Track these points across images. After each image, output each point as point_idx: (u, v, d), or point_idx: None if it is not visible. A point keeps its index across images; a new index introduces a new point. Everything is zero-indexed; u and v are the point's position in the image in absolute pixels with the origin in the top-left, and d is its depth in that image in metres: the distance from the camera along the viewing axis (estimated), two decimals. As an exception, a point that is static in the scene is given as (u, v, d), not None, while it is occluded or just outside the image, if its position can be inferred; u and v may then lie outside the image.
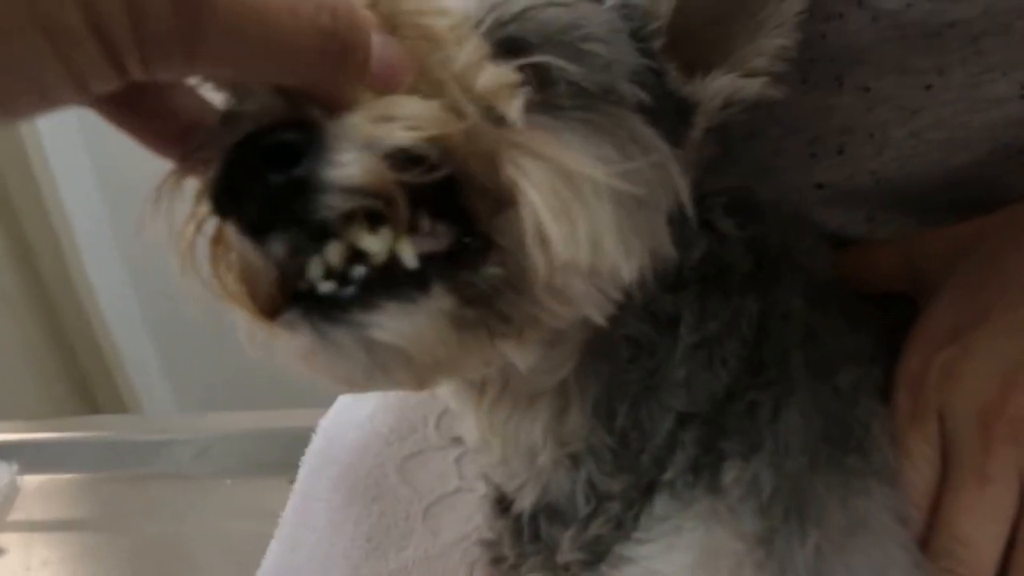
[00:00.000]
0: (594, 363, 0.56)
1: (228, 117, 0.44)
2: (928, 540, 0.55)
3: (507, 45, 0.50)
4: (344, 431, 0.93)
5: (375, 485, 0.86)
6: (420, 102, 0.42)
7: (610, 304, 0.52)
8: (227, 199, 0.42)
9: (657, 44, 0.55)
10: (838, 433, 0.55)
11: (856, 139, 0.64)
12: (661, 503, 0.55)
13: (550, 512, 0.60)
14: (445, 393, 0.64)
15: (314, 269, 0.43)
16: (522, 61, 0.49)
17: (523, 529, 0.62)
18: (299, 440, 0.95)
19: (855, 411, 0.57)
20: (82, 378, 1.99)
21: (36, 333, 1.90)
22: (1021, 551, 0.53)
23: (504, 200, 0.45)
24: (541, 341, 0.53)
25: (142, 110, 0.43)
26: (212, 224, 0.45)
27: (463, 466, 0.86)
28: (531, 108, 0.47)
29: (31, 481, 1.06)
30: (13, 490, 1.04)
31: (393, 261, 0.43)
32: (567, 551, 0.58)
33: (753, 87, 0.55)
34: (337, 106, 0.41)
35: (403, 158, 0.41)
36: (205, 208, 0.44)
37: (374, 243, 0.43)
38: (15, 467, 1.06)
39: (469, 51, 0.45)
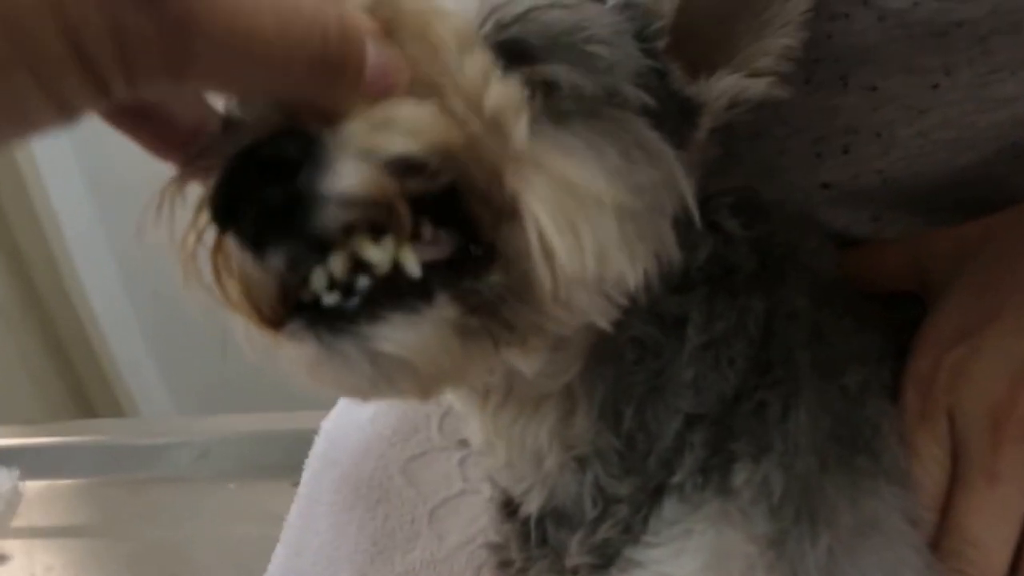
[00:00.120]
0: (600, 366, 0.56)
1: (228, 123, 0.44)
2: (938, 541, 0.55)
3: (508, 48, 0.50)
4: (346, 433, 0.93)
5: (379, 487, 0.86)
6: (419, 108, 0.42)
7: (615, 309, 0.52)
8: (225, 212, 0.42)
9: (661, 44, 0.55)
10: (847, 433, 0.55)
11: (862, 139, 0.64)
12: (670, 506, 0.55)
13: (557, 516, 0.60)
14: (450, 396, 0.65)
15: (317, 280, 0.43)
16: (525, 69, 0.49)
17: (530, 533, 0.62)
18: (301, 442, 0.95)
19: (863, 411, 0.57)
20: (77, 382, 1.98)
21: (30, 338, 1.90)
22: None
23: (507, 210, 0.45)
24: (546, 347, 0.53)
25: (141, 113, 0.43)
26: (212, 234, 0.45)
27: (467, 468, 0.86)
28: (533, 114, 0.47)
29: (33, 487, 1.06)
30: (16, 496, 1.03)
31: (396, 270, 0.43)
32: (575, 555, 0.58)
33: (758, 87, 0.55)
34: (334, 115, 0.41)
35: (403, 166, 0.41)
36: (205, 218, 0.44)
37: (377, 253, 0.43)
38: (17, 472, 1.05)
39: (475, 64, 0.44)
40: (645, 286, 0.53)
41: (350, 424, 0.95)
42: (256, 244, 0.43)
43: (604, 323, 0.51)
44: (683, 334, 0.56)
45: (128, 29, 0.32)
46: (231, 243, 0.44)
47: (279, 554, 0.83)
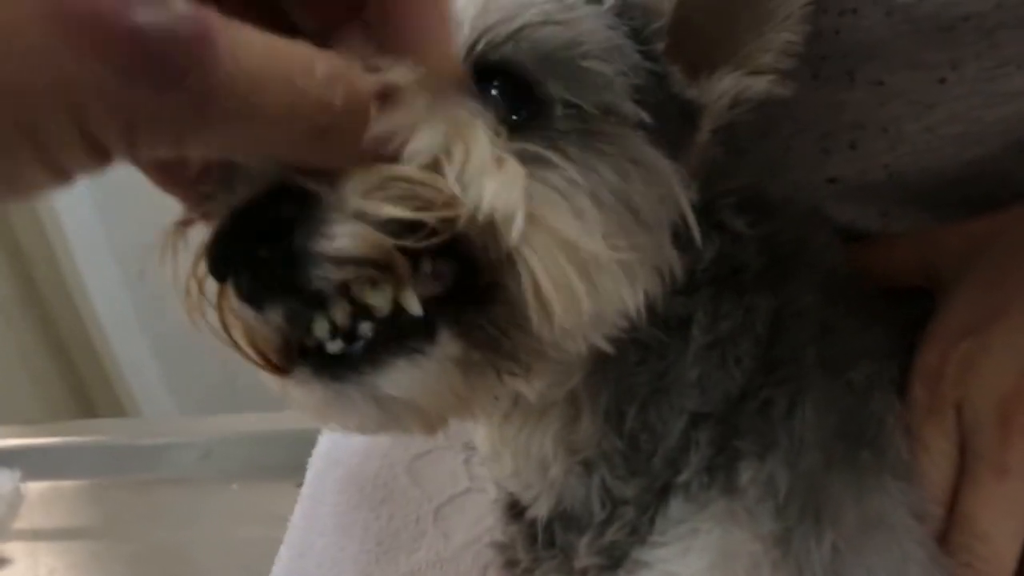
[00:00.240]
0: (603, 369, 0.57)
1: (227, 170, 0.44)
2: (946, 535, 0.55)
3: (501, 67, 0.50)
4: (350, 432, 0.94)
5: (383, 486, 0.86)
6: (416, 171, 0.42)
7: (617, 329, 0.53)
8: (222, 267, 0.43)
9: (659, 45, 0.54)
10: (852, 429, 0.55)
11: (869, 134, 0.65)
12: (676, 506, 0.56)
13: (566, 519, 0.60)
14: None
15: (320, 328, 0.44)
16: (520, 92, 0.49)
17: (537, 534, 0.62)
18: (305, 442, 0.95)
19: (869, 406, 0.57)
20: (79, 382, 1.99)
21: (31, 338, 1.90)
22: None
23: (506, 259, 0.45)
24: (552, 369, 0.53)
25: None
26: (214, 284, 0.46)
27: (472, 466, 0.87)
28: (527, 136, 0.48)
29: (34, 488, 1.06)
30: (17, 498, 1.03)
31: (398, 309, 0.44)
32: (584, 556, 0.59)
33: (760, 85, 0.55)
34: (331, 173, 0.41)
35: (399, 227, 0.41)
36: (203, 268, 0.45)
37: (377, 298, 0.43)
38: (18, 474, 1.05)
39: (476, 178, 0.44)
40: (647, 294, 0.54)
41: (354, 424, 0.95)
42: (253, 300, 0.44)
43: (605, 344, 0.52)
44: (688, 334, 0.56)
45: (141, 107, 0.32)
46: (230, 295, 0.44)
47: (283, 555, 0.83)
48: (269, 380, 0.49)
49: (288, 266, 0.41)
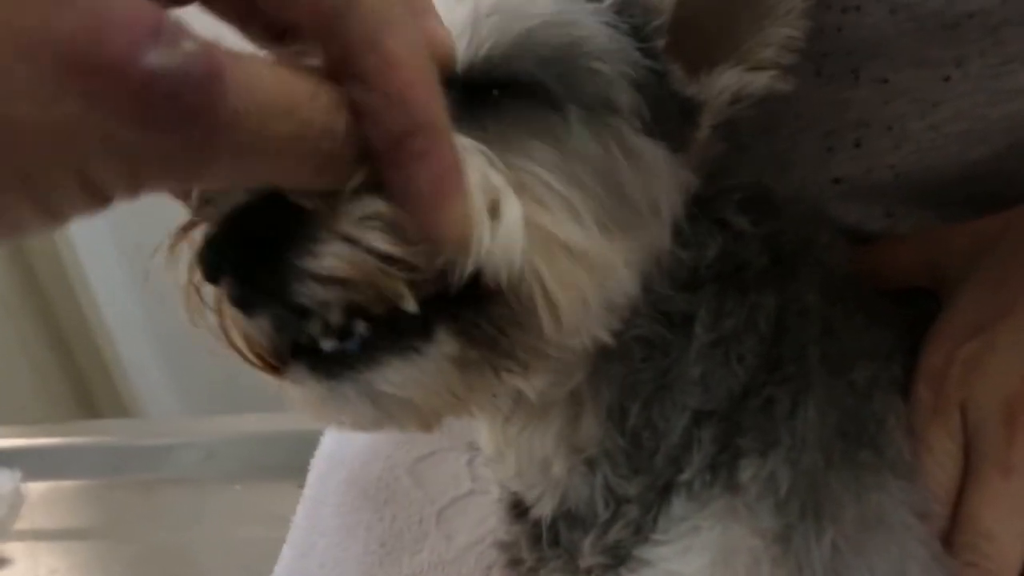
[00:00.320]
0: (606, 367, 0.57)
1: None
2: (951, 535, 0.55)
3: (503, 76, 0.51)
4: (353, 434, 0.94)
5: (386, 488, 0.87)
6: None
7: (617, 321, 0.54)
8: (212, 272, 0.44)
9: (659, 43, 0.55)
10: (853, 428, 0.56)
11: (873, 132, 0.65)
12: (679, 503, 0.56)
13: (570, 518, 0.61)
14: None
15: (314, 326, 0.45)
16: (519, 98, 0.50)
17: (541, 535, 0.62)
18: (308, 442, 0.96)
19: (870, 406, 0.57)
20: (82, 382, 1.99)
21: (35, 338, 1.91)
22: None
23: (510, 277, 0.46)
24: (552, 367, 0.54)
25: None
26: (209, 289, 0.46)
27: (476, 468, 0.87)
28: (527, 132, 0.49)
29: (35, 488, 1.06)
30: (18, 498, 1.03)
31: (395, 307, 0.44)
32: (588, 555, 0.59)
33: (760, 81, 0.56)
34: (329, 194, 0.41)
35: (389, 258, 0.42)
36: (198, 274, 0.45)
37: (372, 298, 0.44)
38: (19, 474, 1.05)
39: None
40: (648, 287, 0.55)
41: (357, 425, 0.96)
42: (242, 305, 0.44)
43: (606, 336, 0.53)
44: (691, 332, 0.57)
45: (149, 150, 0.32)
46: (226, 300, 0.45)
47: (285, 555, 0.84)
48: (269, 381, 0.49)
49: (275, 277, 0.42)
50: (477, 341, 0.47)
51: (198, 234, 0.45)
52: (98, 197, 0.33)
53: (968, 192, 0.67)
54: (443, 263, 0.43)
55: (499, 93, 0.50)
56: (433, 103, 0.39)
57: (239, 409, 1.16)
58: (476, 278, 0.45)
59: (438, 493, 0.85)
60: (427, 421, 0.50)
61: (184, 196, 0.45)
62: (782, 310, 0.58)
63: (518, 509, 0.66)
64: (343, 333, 0.45)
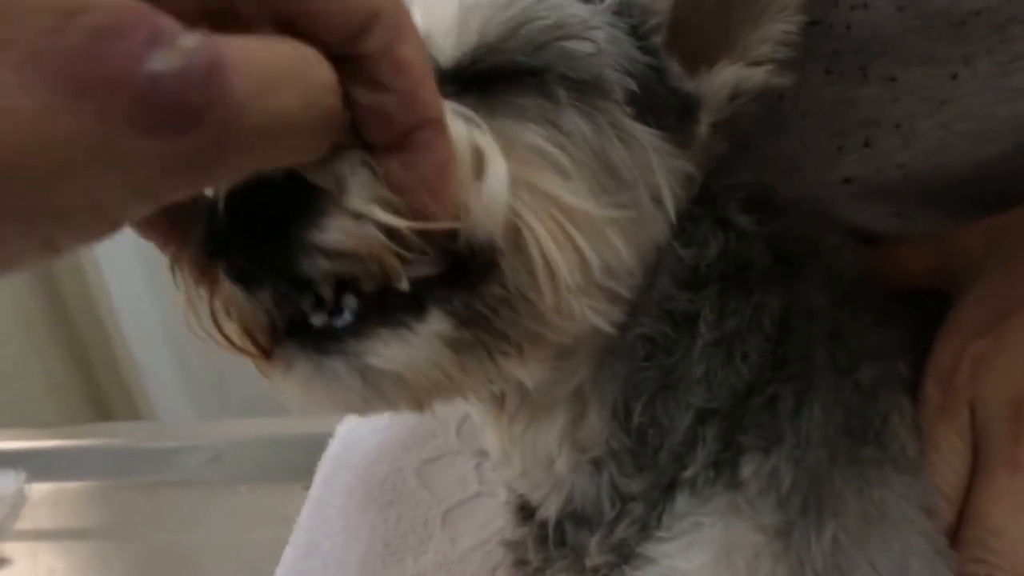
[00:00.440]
0: (611, 366, 0.58)
1: None
2: (959, 532, 0.56)
3: (491, 62, 0.53)
4: (362, 436, 0.95)
5: (392, 489, 0.88)
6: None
7: (617, 310, 0.55)
8: (217, 245, 0.45)
9: (657, 40, 0.57)
10: (857, 426, 0.57)
11: (882, 131, 0.66)
12: (682, 501, 0.57)
13: (576, 518, 0.62)
14: (469, 407, 0.67)
15: (305, 301, 0.46)
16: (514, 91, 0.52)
17: (548, 535, 0.63)
18: (314, 445, 0.97)
19: (876, 405, 0.58)
20: (96, 386, 2.00)
21: (50, 342, 1.92)
22: None
23: (510, 232, 0.48)
24: (550, 355, 0.55)
25: None
26: (208, 284, 0.48)
27: (483, 471, 0.88)
28: (516, 110, 0.51)
29: (39, 489, 1.06)
30: (20, 499, 1.04)
31: (387, 286, 0.45)
32: (595, 555, 0.60)
33: (758, 76, 0.57)
34: (339, 174, 0.42)
35: (395, 233, 0.43)
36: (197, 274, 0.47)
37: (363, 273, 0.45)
38: (23, 475, 1.06)
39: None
40: (651, 284, 0.56)
41: (366, 428, 0.96)
42: (244, 277, 0.46)
43: (606, 325, 0.54)
44: (695, 331, 0.58)
45: (162, 158, 0.31)
46: (223, 276, 0.46)
47: (288, 555, 0.85)
48: (269, 381, 0.50)
49: (280, 250, 0.43)
50: (470, 321, 0.49)
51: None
52: (106, 221, 0.33)
53: (977, 192, 0.67)
54: (445, 237, 0.45)
55: (489, 83, 0.52)
56: (437, 99, 0.41)
57: (250, 415, 1.17)
58: (473, 255, 0.47)
59: (445, 495, 0.87)
60: (418, 400, 0.51)
61: (157, 232, 0.46)
62: (787, 310, 0.59)
63: (525, 511, 0.67)
64: (334, 311, 0.46)
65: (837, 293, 0.61)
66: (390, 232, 0.43)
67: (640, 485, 0.58)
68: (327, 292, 0.46)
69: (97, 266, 1.84)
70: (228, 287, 0.47)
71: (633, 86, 0.55)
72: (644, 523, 0.58)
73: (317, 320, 0.47)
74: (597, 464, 0.60)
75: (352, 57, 0.38)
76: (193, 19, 0.32)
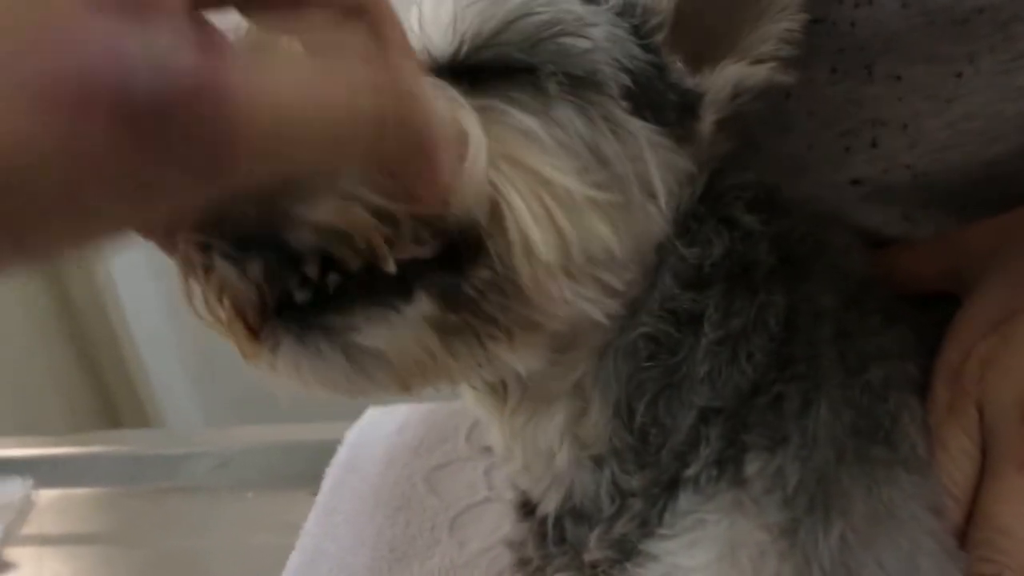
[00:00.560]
0: (613, 364, 0.59)
1: None
2: (967, 532, 0.56)
3: (486, 57, 0.54)
4: (371, 442, 0.97)
5: (400, 495, 0.89)
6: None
7: (612, 303, 0.56)
8: (208, 220, 0.46)
9: (659, 39, 0.58)
10: (866, 426, 0.57)
11: (889, 131, 0.66)
12: (685, 498, 0.58)
13: (576, 514, 0.62)
14: (470, 402, 0.68)
15: (293, 280, 0.48)
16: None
17: (547, 532, 0.64)
18: (322, 452, 0.98)
19: (885, 405, 0.58)
20: (107, 395, 2.01)
21: (62, 350, 1.93)
22: None
23: (492, 208, 0.49)
24: (547, 345, 0.57)
25: None
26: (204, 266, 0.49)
27: (492, 476, 0.89)
28: (506, 99, 0.52)
29: (46, 495, 1.07)
30: (27, 504, 1.04)
31: (374, 267, 0.47)
32: (595, 550, 0.61)
33: (760, 74, 0.58)
34: None
35: (385, 215, 0.45)
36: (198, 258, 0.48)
37: (349, 252, 0.47)
38: (30, 482, 1.07)
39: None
40: (653, 283, 0.58)
41: (376, 434, 0.98)
42: (236, 250, 0.47)
43: (599, 316, 0.55)
44: (699, 330, 0.58)
45: (158, 175, 0.30)
46: (216, 256, 0.48)
47: (294, 560, 0.86)
48: (265, 380, 0.52)
49: (271, 224, 0.45)
50: (457, 304, 0.50)
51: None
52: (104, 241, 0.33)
53: (985, 193, 0.68)
54: (434, 218, 0.46)
55: (482, 76, 0.53)
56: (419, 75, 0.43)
57: (258, 422, 1.18)
58: (463, 237, 0.48)
59: (453, 500, 0.88)
60: (404, 382, 0.52)
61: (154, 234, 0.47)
62: (793, 310, 0.59)
63: (526, 508, 0.68)
64: (321, 289, 0.48)
65: (845, 294, 0.62)
66: (379, 213, 0.44)
67: (640, 482, 0.59)
68: (312, 271, 0.47)
69: (107, 273, 1.85)
70: (221, 269, 0.48)
71: (629, 82, 0.56)
72: (644, 519, 0.59)
73: (300, 296, 0.48)
74: (598, 460, 0.61)
75: None
76: None
